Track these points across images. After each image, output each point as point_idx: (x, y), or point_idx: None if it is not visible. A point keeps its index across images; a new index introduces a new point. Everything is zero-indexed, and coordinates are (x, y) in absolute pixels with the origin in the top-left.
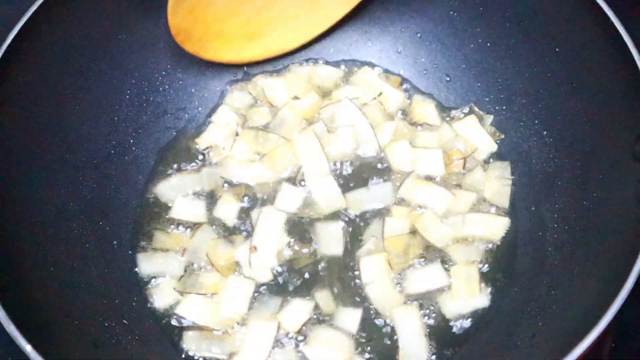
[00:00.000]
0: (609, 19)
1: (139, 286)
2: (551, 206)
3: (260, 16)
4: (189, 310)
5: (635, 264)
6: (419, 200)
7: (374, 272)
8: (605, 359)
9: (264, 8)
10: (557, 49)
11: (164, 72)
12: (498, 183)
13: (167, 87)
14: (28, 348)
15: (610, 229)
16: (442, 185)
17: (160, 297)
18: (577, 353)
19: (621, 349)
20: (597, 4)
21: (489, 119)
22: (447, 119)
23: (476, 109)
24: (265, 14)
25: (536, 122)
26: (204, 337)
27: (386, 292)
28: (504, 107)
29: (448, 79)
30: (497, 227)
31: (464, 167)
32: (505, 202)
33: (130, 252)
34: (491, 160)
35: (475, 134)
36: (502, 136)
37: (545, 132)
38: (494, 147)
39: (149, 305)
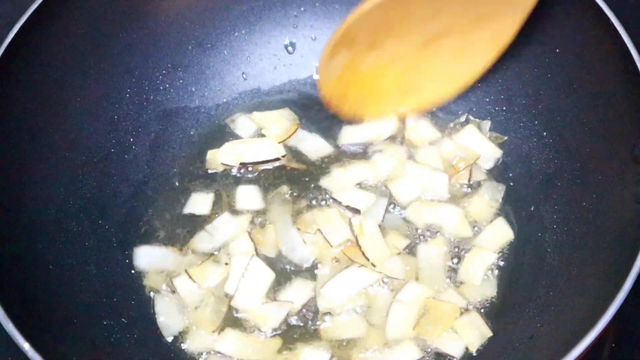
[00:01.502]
0: (609, 19)
1: (139, 285)
2: (550, 207)
3: (412, 70)
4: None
5: (635, 264)
6: (427, 220)
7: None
8: (605, 359)
9: (414, 62)
10: (557, 50)
11: (164, 71)
12: (486, 204)
13: (167, 85)
14: (26, 346)
15: (610, 230)
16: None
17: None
18: (576, 354)
19: (621, 349)
20: (597, 4)
21: (487, 124)
22: (447, 131)
23: (471, 117)
24: (416, 68)
25: (536, 122)
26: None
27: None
28: (504, 108)
29: None
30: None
31: (469, 179)
32: (485, 220)
33: (128, 252)
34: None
35: (477, 142)
36: (505, 138)
37: (545, 133)
38: (498, 153)
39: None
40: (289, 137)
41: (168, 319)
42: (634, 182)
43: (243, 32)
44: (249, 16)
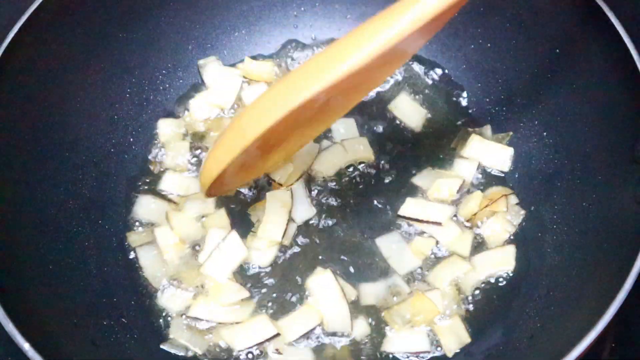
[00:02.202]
0: (609, 19)
1: (139, 285)
2: (551, 207)
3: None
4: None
5: (635, 264)
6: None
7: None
8: (605, 359)
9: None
10: (557, 50)
11: (164, 71)
12: (501, 227)
13: (167, 85)
14: (26, 346)
15: (610, 230)
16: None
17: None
18: (576, 354)
19: (621, 349)
20: (597, 4)
21: (487, 129)
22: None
23: (469, 129)
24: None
25: (536, 122)
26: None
27: None
28: (504, 108)
29: None
30: (507, 258)
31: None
32: (498, 243)
33: (128, 252)
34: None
35: (486, 150)
36: (511, 133)
37: (545, 133)
38: (510, 151)
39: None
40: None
41: (153, 270)
42: (634, 182)
43: (243, 32)
44: (249, 16)
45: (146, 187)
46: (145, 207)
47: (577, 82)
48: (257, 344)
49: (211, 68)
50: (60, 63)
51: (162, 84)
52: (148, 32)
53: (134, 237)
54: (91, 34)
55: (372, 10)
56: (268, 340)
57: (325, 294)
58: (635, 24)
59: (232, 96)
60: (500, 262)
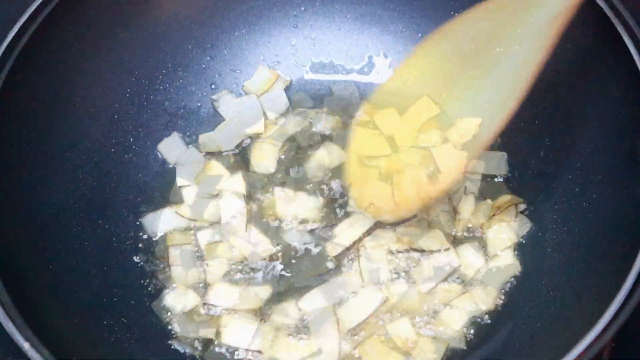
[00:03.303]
0: (609, 19)
1: (139, 285)
2: (550, 207)
3: None
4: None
5: (635, 264)
6: None
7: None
8: (605, 359)
9: None
10: (557, 50)
11: (164, 71)
12: (506, 236)
13: (167, 85)
14: (26, 346)
15: (610, 230)
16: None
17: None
18: (576, 354)
19: (621, 349)
20: (597, 4)
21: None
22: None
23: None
24: None
25: (536, 122)
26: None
27: None
28: None
29: None
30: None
31: (516, 214)
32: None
33: (128, 252)
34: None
35: (481, 161)
36: (498, 139)
37: (545, 133)
38: (503, 156)
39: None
40: (269, 88)
41: (185, 268)
42: (634, 182)
43: (243, 32)
44: (249, 16)
45: (150, 195)
46: (153, 223)
47: (576, 81)
48: (238, 349)
49: (226, 101)
50: (60, 63)
51: (162, 84)
52: (148, 32)
53: (174, 236)
54: (91, 34)
55: (372, 10)
56: (249, 350)
57: (323, 328)
58: (636, 24)
59: (261, 121)
60: (509, 269)
